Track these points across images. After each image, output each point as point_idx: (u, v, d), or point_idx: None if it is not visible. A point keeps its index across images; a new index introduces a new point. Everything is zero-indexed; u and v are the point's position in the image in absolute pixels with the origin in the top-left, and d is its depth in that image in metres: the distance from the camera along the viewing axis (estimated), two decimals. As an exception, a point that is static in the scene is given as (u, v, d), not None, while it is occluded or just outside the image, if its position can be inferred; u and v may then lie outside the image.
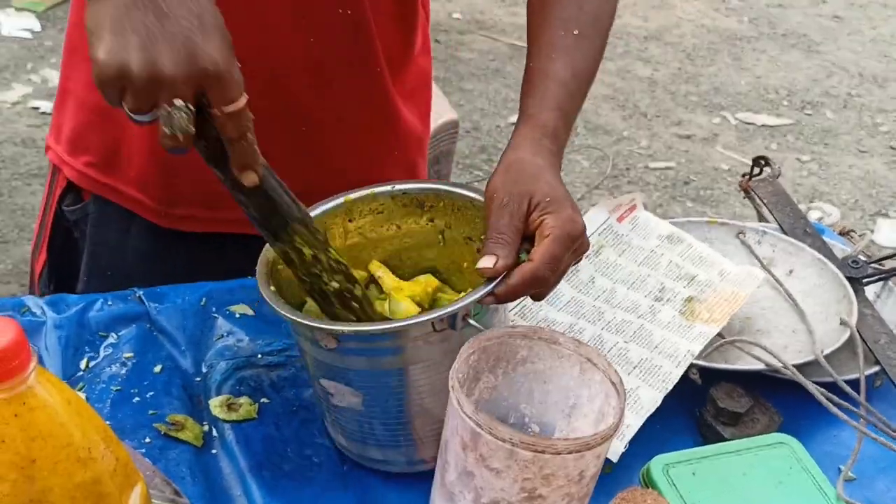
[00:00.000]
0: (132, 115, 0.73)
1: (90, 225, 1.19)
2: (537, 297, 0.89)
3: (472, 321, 0.83)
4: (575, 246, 0.87)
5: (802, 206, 2.34)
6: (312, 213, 0.94)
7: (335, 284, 0.89)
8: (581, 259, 0.91)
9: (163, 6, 0.72)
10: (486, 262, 0.83)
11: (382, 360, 0.84)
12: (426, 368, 0.84)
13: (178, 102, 0.72)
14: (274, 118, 1.08)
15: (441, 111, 2.02)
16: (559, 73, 0.98)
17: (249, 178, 0.79)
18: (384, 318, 0.91)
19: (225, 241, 1.15)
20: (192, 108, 0.72)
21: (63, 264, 1.23)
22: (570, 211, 0.87)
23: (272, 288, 0.88)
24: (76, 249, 1.21)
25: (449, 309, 0.81)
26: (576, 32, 1.00)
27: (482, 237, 0.94)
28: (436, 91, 2.15)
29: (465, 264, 0.97)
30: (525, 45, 1.05)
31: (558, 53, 0.99)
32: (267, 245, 0.89)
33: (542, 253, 0.84)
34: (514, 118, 4.10)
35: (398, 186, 0.98)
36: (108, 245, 1.18)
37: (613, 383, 0.79)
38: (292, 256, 0.87)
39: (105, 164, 1.15)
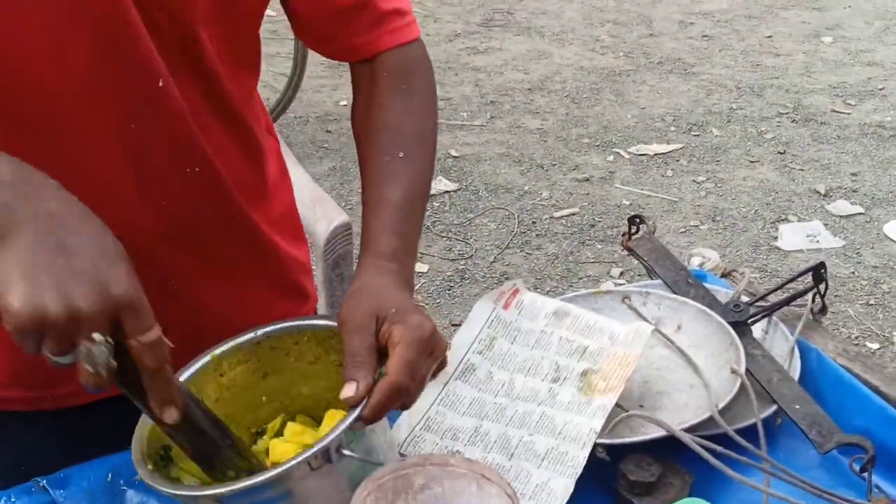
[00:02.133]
0: (53, 358, 0.73)
1: None
2: (404, 407, 0.90)
3: (346, 451, 0.83)
4: (429, 348, 0.88)
5: (675, 249, 2.41)
6: (182, 377, 0.95)
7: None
8: (444, 363, 0.92)
9: (66, 244, 0.73)
10: (348, 391, 0.84)
11: None
12: None
13: (98, 337, 0.71)
14: (144, 284, 1.08)
15: (332, 216, 2.03)
16: (391, 197, 1.01)
17: (170, 415, 0.79)
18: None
19: (119, 404, 1.14)
20: (110, 341, 0.72)
21: None
22: (417, 316, 0.89)
23: (149, 466, 0.87)
24: None
25: (320, 445, 0.82)
26: (401, 155, 1.04)
27: None
28: (322, 196, 2.17)
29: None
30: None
31: (388, 180, 1.03)
32: (140, 423, 0.90)
33: (395, 363, 0.85)
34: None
35: (260, 331, 0.99)
36: (17, 443, 1.16)
37: (509, 495, 0.80)
38: (227, 477, 0.88)
39: None
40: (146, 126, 0.99)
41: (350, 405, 0.84)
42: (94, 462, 1.10)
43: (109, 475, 1.09)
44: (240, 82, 1.09)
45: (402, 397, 0.86)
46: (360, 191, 1.06)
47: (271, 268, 1.20)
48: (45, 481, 1.08)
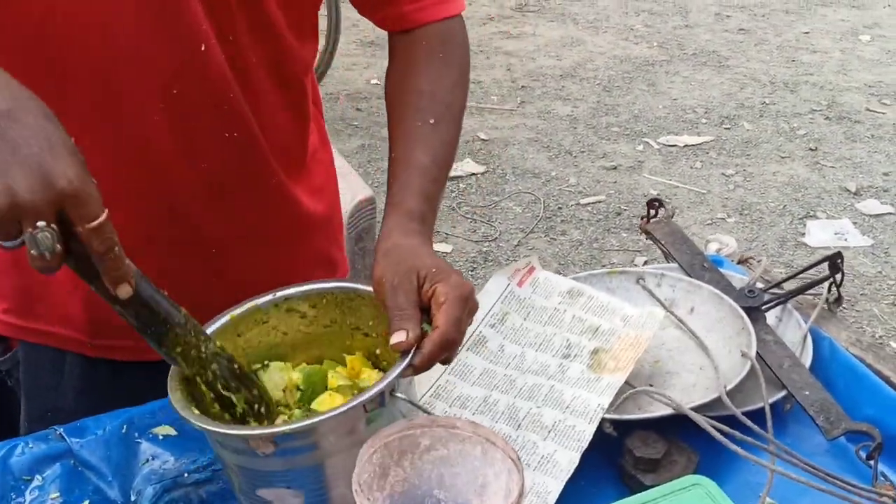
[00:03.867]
0: (1, 242, 0.75)
1: (23, 371, 1.20)
2: (446, 361, 0.94)
3: (398, 394, 0.88)
4: (469, 307, 0.93)
5: (699, 241, 2.40)
6: None
7: (225, 373, 0.92)
8: (471, 319, 0.96)
9: (12, 135, 0.75)
10: (399, 337, 0.88)
11: (316, 452, 0.87)
12: (352, 454, 0.86)
13: (41, 224, 0.73)
14: (180, 245, 1.12)
15: (356, 190, 2.05)
16: (419, 160, 1.04)
17: (123, 291, 0.81)
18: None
19: (159, 367, 1.17)
20: (55, 228, 0.74)
21: (1, 414, 1.24)
22: (456, 276, 0.93)
23: (195, 410, 0.89)
24: (13, 398, 1.22)
25: (376, 389, 0.85)
26: (431, 121, 1.07)
27: (370, 323, 1.00)
28: (349, 170, 2.20)
29: (358, 352, 1.02)
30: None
31: (417, 142, 1.06)
32: (172, 371, 0.92)
33: (445, 318, 0.89)
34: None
35: (279, 293, 1.01)
36: (43, 388, 1.19)
37: (512, 460, 0.81)
38: (178, 360, 0.90)
39: (23, 308, 1.17)
40: (187, 89, 1.02)
41: (400, 351, 0.88)
42: (111, 414, 1.13)
43: (125, 427, 1.11)
44: (303, 49, 1.12)
45: (448, 349, 0.91)
46: (387, 169, 1.08)
47: (305, 237, 1.22)
48: (62, 430, 1.10)
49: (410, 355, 0.88)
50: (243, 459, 0.89)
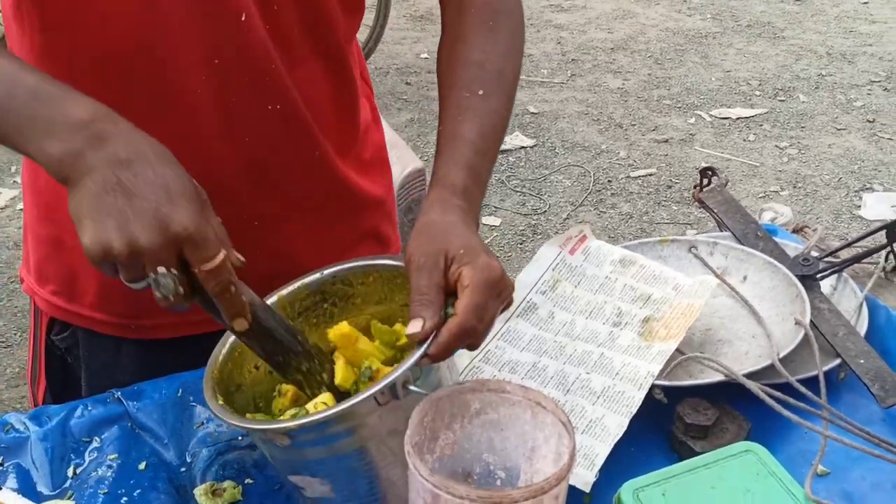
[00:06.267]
0: (128, 283, 0.82)
1: (82, 349, 1.22)
2: (471, 347, 0.89)
3: (412, 387, 0.83)
4: (497, 290, 0.87)
5: (753, 210, 2.37)
6: None
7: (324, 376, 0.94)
8: (510, 303, 0.91)
9: (129, 187, 0.80)
10: (414, 327, 0.84)
11: (338, 444, 0.85)
12: (381, 442, 0.85)
13: (161, 270, 0.79)
14: (225, 221, 1.11)
15: (406, 161, 2.05)
16: (466, 133, 1.00)
17: (239, 325, 0.86)
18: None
19: (207, 340, 1.18)
20: (174, 271, 0.80)
21: (64, 390, 1.26)
22: (485, 258, 0.88)
23: (220, 401, 0.89)
24: (74, 374, 1.25)
25: (387, 381, 0.82)
26: (480, 93, 1.03)
27: None
28: (398, 141, 2.20)
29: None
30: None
31: (465, 115, 1.02)
32: (212, 357, 0.93)
33: (464, 304, 0.85)
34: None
35: (327, 271, 1.00)
36: (102, 365, 1.22)
37: (563, 423, 0.81)
38: (303, 384, 0.93)
39: (67, 291, 1.19)
40: (228, 61, 1.01)
41: (416, 341, 0.84)
42: (167, 378, 1.15)
43: (180, 391, 1.13)
44: (347, 19, 1.10)
45: (469, 338, 0.86)
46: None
47: (352, 212, 1.21)
48: (119, 393, 1.13)
49: (427, 344, 0.84)
50: (269, 448, 0.89)
